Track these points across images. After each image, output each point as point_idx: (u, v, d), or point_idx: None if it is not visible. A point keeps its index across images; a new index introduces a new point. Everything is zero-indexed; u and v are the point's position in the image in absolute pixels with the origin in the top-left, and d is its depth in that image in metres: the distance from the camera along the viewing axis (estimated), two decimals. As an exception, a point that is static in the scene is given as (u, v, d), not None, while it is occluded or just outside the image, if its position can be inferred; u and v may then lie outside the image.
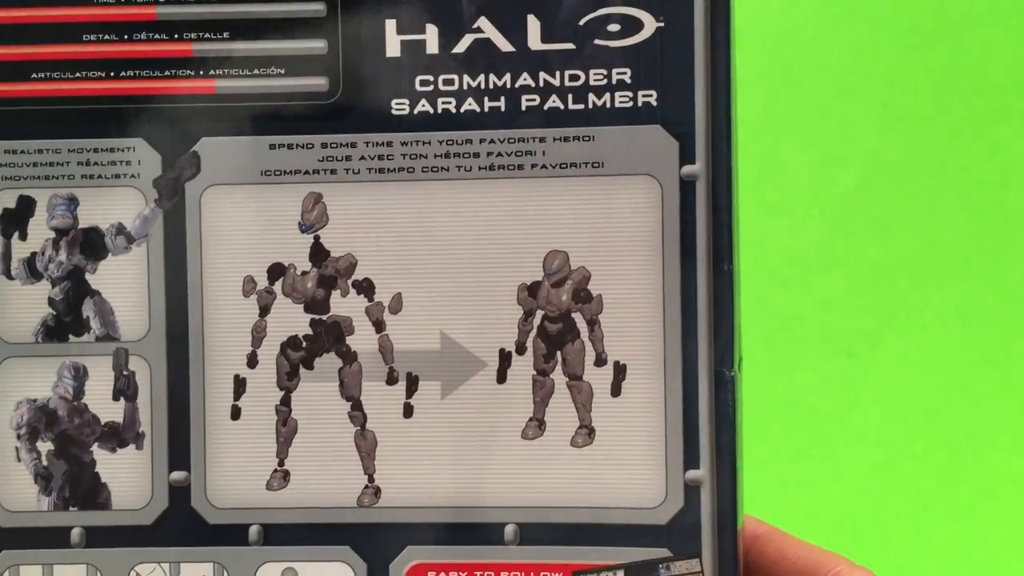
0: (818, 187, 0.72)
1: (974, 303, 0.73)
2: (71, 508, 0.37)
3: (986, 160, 0.72)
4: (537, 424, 0.36)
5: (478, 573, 0.36)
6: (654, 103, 0.35)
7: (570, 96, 0.35)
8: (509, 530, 0.36)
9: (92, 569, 0.37)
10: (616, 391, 0.35)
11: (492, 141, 0.35)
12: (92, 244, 0.37)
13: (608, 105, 0.35)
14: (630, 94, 0.35)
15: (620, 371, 0.35)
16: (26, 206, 0.37)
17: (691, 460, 0.35)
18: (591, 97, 0.35)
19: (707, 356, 0.35)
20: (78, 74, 0.36)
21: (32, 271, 0.37)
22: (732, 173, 0.35)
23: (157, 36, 0.36)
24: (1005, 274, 0.73)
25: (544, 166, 0.35)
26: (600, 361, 0.35)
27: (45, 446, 0.37)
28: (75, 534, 0.36)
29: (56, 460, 0.37)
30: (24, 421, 0.37)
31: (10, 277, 0.37)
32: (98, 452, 0.37)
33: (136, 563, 0.36)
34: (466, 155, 0.36)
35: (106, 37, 0.36)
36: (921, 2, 0.72)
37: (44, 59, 0.36)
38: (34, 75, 0.36)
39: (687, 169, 0.35)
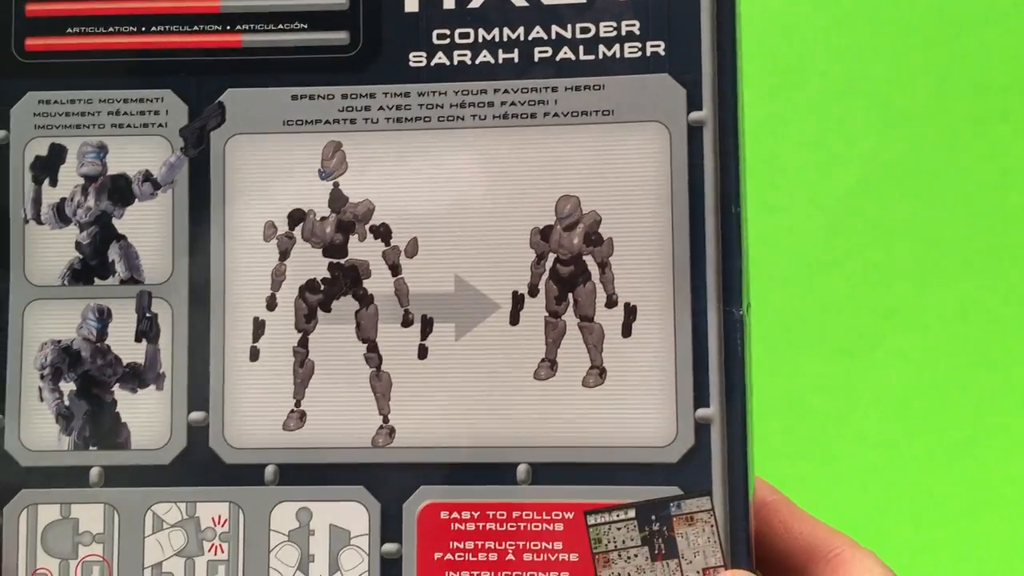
0: (818, 187, 0.73)
1: (974, 303, 0.73)
2: (91, 448, 0.37)
3: (986, 160, 0.72)
4: (549, 365, 0.36)
5: (491, 512, 0.36)
6: (662, 53, 0.36)
7: (581, 47, 0.37)
8: (521, 469, 0.36)
9: (109, 508, 0.37)
10: (627, 332, 0.36)
11: (506, 91, 0.37)
12: (120, 190, 0.38)
13: (618, 55, 0.36)
14: (639, 44, 0.36)
15: (631, 312, 0.36)
16: (57, 154, 0.38)
17: (701, 399, 0.36)
18: (601, 48, 0.37)
19: (716, 296, 0.36)
20: (111, 29, 0.38)
21: (61, 216, 0.38)
22: (738, 119, 0.36)
23: (187, -10, 0.37)
24: (1005, 274, 0.73)
25: (556, 115, 0.37)
26: (611, 302, 0.36)
27: (67, 386, 0.37)
28: (94, 473, 0.37)
29: (78, 400, 0.37)
30: (48, 361, 0.37)
31: (40, 222, 0.38)
32: (119, 392, 0.37)
33: (153, 502, 0.37)
34: (481, 105, 0.37)
35: (138, -9, 0.38)
36: (921, 2, 0.73)
37: (80, 14, 0.38)
38: (70, 30, 0.38)
39: (694, 115, 0.36)
